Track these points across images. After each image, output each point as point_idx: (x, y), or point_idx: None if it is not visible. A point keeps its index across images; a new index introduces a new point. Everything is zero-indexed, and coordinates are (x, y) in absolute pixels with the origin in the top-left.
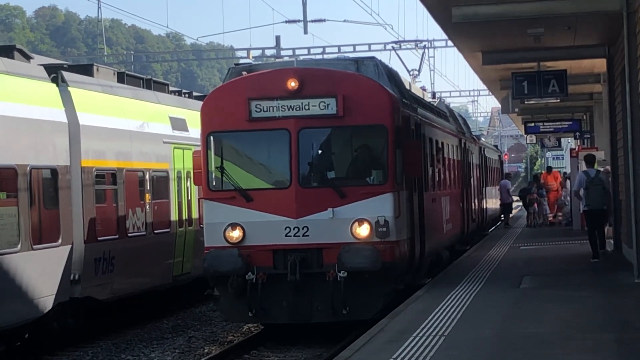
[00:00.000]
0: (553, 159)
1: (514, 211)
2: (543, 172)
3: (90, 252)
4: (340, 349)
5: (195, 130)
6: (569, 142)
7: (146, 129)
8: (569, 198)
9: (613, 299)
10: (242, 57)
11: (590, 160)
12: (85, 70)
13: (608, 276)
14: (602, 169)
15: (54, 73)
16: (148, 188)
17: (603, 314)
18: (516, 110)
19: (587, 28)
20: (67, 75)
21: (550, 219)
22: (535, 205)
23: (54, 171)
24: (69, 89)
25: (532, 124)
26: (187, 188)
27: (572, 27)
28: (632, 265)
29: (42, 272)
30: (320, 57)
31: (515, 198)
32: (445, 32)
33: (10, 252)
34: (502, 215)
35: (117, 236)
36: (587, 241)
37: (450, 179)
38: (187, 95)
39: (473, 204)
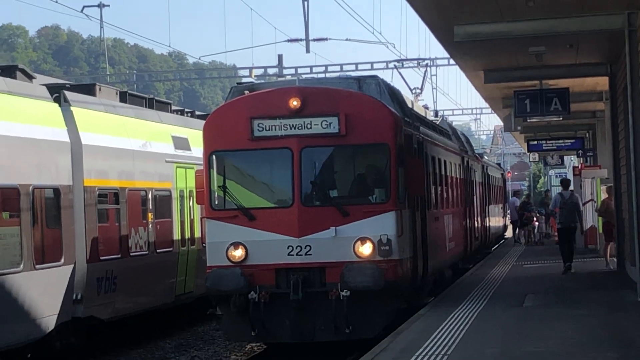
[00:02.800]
0: (556, 176)
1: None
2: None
3: (92, 271)
4: None
5: (197, 149)
6: (571, 160)
7: (148, 148)
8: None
9: (616, 318)
10: (244, 76)
11: (565, 184)
12: (88, 89)
13: (611, 294)
14: (572, 190)
15: (56, 93)
16: (150, 207)
17: (606, 333)
18: (519, 128)
19: (589, 46)
20: (69, 95)
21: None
22: (534, 222)
23: (56, 191)
24: (72, 108)
25: (535, 142)
26: (190, 207)
27: (574, 45)
28: (635, 284)
29: (44, 292)
30: (322, 75)
31: None
32: (448, 50)
33: (13, 272)
34: (513, 232)
35: (119, 255)
36: (591, 259)
37: (452, 197)
38: (189, 114)
39: (476, 222)
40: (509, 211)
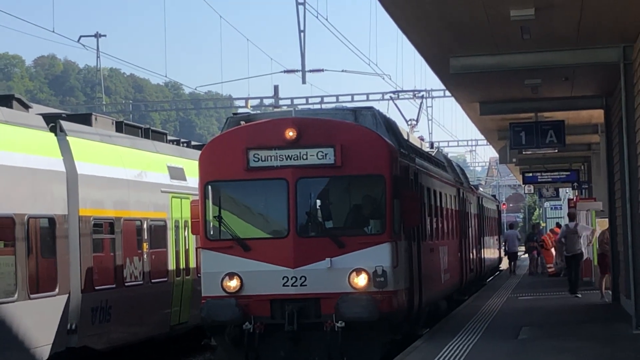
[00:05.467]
0: (551, 209)
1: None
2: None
3: (87, 301)
4: None
5: (193, 180)
6: (567, 193)
7: (144, 178)
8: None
9: (612, 351)
10: (240, 107)
11: (571, 216)
12: (84, 119)
13: (607, 327)
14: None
15: (52, 122)
16: (146, 237)
17: None
18: (514, 160)
19: (585, 79)
20: (65, 124)
21: (551, 270)
22: (535, 253)
23: (51, 220)
24: (67, 138)
25: (530, 174)
26: (185, 237)
27: (570, 78)
28: (630, 316)
29: (38, 322)
30: (318, 106)
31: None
32: (443, 82)
33: (7, 302)
34: (510, 264)
35: (114, 285)
36: (586, 291)
37: (448, 229)
38: (185, 144)
39: (471, 254)
40: (504, 242)
